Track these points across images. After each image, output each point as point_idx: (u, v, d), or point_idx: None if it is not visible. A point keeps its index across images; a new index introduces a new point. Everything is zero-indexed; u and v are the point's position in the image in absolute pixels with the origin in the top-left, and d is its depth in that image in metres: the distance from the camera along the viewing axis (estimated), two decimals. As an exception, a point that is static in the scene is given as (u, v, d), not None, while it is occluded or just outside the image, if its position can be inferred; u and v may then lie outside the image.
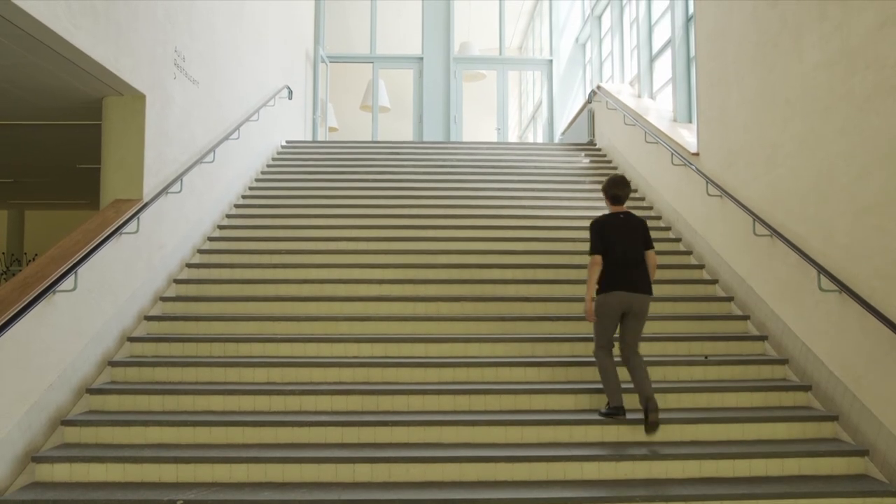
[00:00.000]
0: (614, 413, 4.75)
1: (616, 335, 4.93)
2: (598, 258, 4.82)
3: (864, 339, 4.52)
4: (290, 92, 11.06)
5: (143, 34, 5.69)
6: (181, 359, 5.49)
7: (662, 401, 5.02)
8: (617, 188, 4.99)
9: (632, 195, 8.83)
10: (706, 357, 5.57)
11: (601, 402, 5.03)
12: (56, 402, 4.69)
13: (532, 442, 4.71)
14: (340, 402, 5.03)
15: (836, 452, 4.46)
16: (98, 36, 4.93)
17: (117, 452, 4.41)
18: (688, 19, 8.33)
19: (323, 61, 13.72)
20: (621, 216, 4.95)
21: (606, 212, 5.09)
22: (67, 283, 4.73)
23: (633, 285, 4.76)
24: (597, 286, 4.83)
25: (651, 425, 4.54)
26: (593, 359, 5.03)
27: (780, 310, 5.62)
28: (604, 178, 9.39)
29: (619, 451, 4.47)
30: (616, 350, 4.95)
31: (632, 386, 4.83)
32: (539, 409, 5.04)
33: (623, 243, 4.83)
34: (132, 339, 5.67)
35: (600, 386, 5.06)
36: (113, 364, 5.34)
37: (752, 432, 4.77)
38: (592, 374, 5.37)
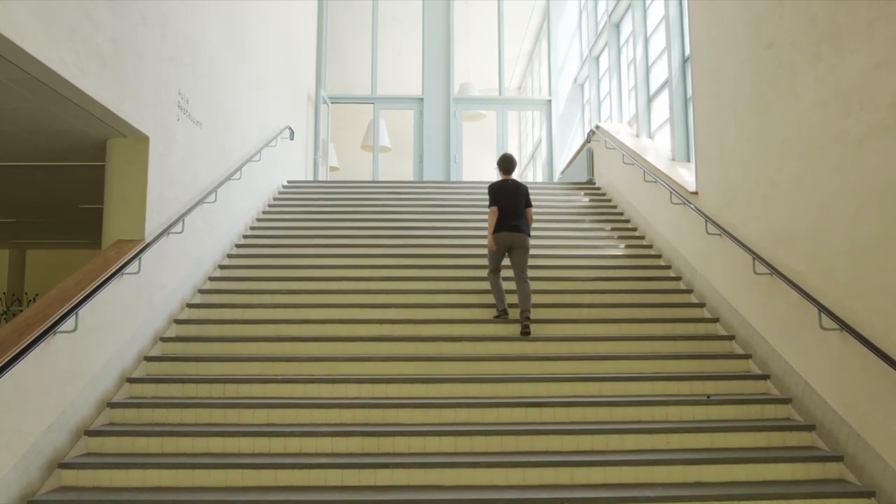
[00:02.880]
0: (500, 315, 6.69)
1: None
2: (495, 209, 6.73)
3: (866, 378, 4.50)
4: (292, 132, 11.19)
5: (147, 77, 5.78)
6: (181, 400, 5.45)
7: (665, 441, 5.03)
8: (507, 164, 6.95)
9: (631, 234, 8.94)
10: (708, 396, 5.53)
11: (605, 443, 5.02)
12: (53, 445, 4.65)
13: (534, 484, 4.66)
14: (341, 444, 4.99)
15: (843, 494, 4.40)
16: (104, 80, 5.01)
17: (115, 496, 4.36)
18: (684, 60, 8.46)
19: (324, 102, 13.89)
20: (509, 182, 6.83)
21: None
22: (68, 323, 4.73)
23: (514, 228, 6.64)
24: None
25: (524, 332, 6.32)
26: (595, 398, 5.39)
27: (782, 348, 5.61)
28: (603, 218, 9.50)
29: (622, 493, 4.42)
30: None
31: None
32: (541, 451, 4.99)
33: (509, 201, 6.70)
34: (132, 380, 5.64)
35: (601, 427, 5.11)
36: (112, 405, 5.31)
37: (757, 473, 4.72)
38: (595, 414, 5.34)
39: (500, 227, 6.65)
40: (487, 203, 8.37)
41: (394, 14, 15.67)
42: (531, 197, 7.26)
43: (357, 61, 17.27)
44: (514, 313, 6.79)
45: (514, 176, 7.58)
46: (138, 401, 5.41)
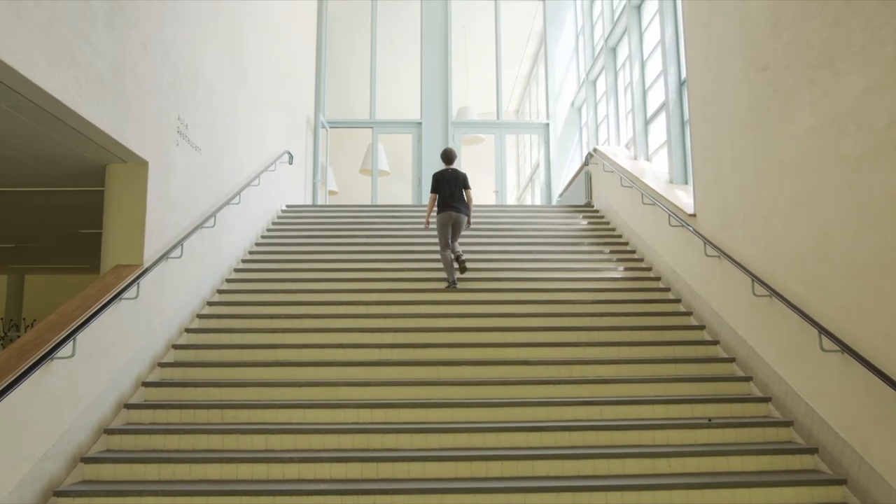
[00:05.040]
0: (451, 285, 7.87)
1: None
2: (434, 195, 8.24)
3: (868, 400, 4.47)
4: (291, 157, 11.23)
5: (147, 103, 5.82)
6: (178, 426, 5.41)
7: (666, 466, 5.00)
8: (447, 156, 8.40)
9: (630, 256, 8.99)
10: (710, 419, 5.50)
11: (607, 468, 4.98)
12: (49, 472, 4.61)
13: (535, 509, 4.61)
14: (340, 470, 4.95)
15: (846, 518, 4.37)
16: (104, 106, 5.04)
17: (111, 524, 4.31)
18: (681, 84, 8.53)
19: (323, 126, 13.96)
20: (450, 170, 8.26)
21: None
22: (66, 349, 4.72)
23: (453, 209, 8.04)
24: (435, 210, 8.22)
25: (462, 270, 7.87)
26: (596, 422, 5.37)
27: (783, 370, 5.58)
28: (602, 240, 9.51)
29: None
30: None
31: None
32: (542, 476, 4.95)
33: (450, 186, 8.14)
34: (129, 406, 5.61)
35: (602, 451, 5.06)
36: (109, 432, 5.27)
37: (760, 497, 4.68)
38: (595, 438, 5.31)
39: (442, 207, 8.09)
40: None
41: (392, 39, 15.82)
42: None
43: (356, 86, 17.40)
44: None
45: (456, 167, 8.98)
46: (136, 427, 5.37)
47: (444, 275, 8.25)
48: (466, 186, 8.27)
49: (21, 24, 4.01)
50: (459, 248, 8.12)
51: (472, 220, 11.11)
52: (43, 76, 4.23)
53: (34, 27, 4.15)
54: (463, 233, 10.18)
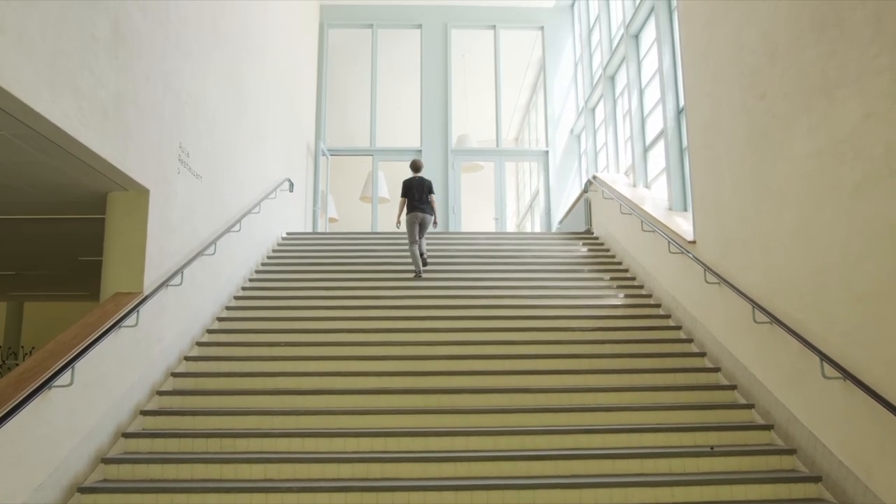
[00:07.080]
0: (417, 275, 9.06)
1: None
2: (403, 199, 9.45)
3: (872, 427, 4.44)
4: (291, 184, 11.28)
5: (149, 132, 5.86)
6: (176, 455, 5.36)
7: (669, 495, 4.96)
8: (416, 165, 9.62)
9: (630, 283, 9.00)
10: (712, 447, 5.45)
11: (609, 497, 4.93)
12: (46, 502, 4.55)
13: (537, 540, 4.56)
14: (339, 499, 4.90)
15: (852, 548, 4.31)
16: (106, 134, 5.08)
17: (107, 556, 4.25)
18: (679, 111, 8.59)
19: (323, 154, 14.04)
20: (416, 178, 9.49)
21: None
22: (64, 377, 4.69)
23: (419, 210, 9.31)
24: (405, 211, 9.42)
25: (417, 277, 9.11)
26: (597, 451, 5.29)
27: (785, 398, 5.55)
28: (602, 267, 9.52)
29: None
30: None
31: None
32: (543, 505, 4.90)
33: (416, 192, 9.39)
34: (127, 435, 5.56)
35: (605, 480, 5.00)
36: (106, 461, 5.22)
37: (764, 527, 4.63)
38: (597, 466, 5.26)
39: (410, 209, 9.34)
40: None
41: (392, 67, 15.97)
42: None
43: (356, 114, 17.53)
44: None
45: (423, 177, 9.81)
46: (133, 456, 5.32)
47: (443, 298, 8.24)
48: (431, 192, 9.54)
49: (25, 54, 4.06)
50: (425, 247, 9.46)
51: (471, 239, 11.24)
52: (46, 105, 4.27)
53: (38, 57, 4.19)
54: (459, 251, 10.30)
